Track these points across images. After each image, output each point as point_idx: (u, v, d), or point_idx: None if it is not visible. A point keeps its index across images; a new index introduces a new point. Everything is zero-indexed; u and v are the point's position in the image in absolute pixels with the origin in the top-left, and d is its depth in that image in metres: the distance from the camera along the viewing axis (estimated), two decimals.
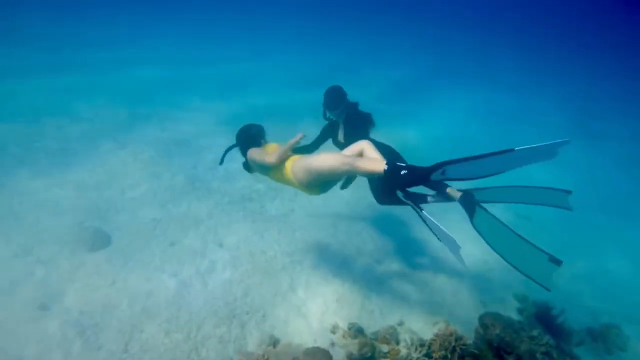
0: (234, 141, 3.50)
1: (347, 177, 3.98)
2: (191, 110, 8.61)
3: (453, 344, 3.12)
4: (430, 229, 2.55)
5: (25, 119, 7.05)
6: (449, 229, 2.40)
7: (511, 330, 2.93)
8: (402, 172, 2.51)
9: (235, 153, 3.51)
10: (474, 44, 23.48)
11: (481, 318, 3.17)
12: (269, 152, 3.14)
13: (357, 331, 3.44)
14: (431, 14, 34.08)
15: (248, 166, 3.44)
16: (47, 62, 10.87)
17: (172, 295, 3.62)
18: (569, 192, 3.01)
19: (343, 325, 3.54)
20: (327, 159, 2.81)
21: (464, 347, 3.12)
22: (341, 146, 3.98)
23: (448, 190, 2.92)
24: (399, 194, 2.69)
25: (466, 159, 2.35)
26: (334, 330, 3.50)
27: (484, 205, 2.87)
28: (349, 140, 3.83)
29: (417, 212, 2.58)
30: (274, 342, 3.30)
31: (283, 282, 3.91)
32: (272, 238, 4.53)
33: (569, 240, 5.59)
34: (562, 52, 24.56)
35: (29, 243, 4.05)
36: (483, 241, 2.72)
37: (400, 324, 3.65)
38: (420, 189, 2.72)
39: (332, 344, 3.36)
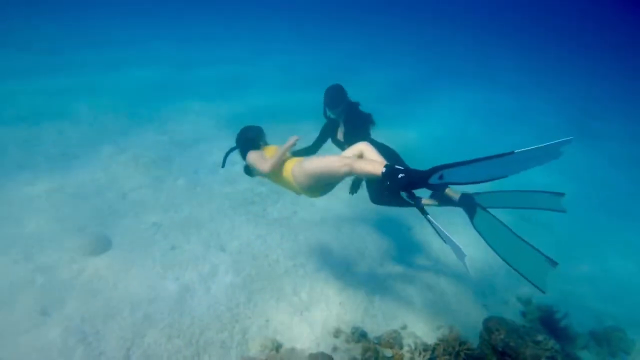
0: (234, 144, 3.49)
1: (354, 182, 3.97)
2: (191, 113, 8.59)
3: (457, 348, 3.11)
4: (437, 232, 2.53)
5: (25, 121, 7.03)
6: (452, 232, 2.39)
7: (516, 335, 2.91)
8: (400, 175, 2.48)
9: (237, 155, 3.50)
10: (474, 44, 23.47)
11: (485, 322, 3.15)
12: (265, 158, 3.14)
13: (360, 335, 3.43)
14: (431, 14, 34.09)
15: (249, 170, 3.42)
16: (47, 63, 10.85)
17: (174, 301, 3.60)
18: (561, 194, 3.04)
19: (346, 329, 3.52)
20: (326, 161, 2.80)
21: (468, 351, 3.10)
22: (341, 145, 3.97)
23: (447, 191, 2.92)
24: (403, 194, 2.68)
25: (464, 163, 2.26)
26: (337, 334, 3.48)
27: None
28: (349, 139, 3.83)
29: (424, 216, 2.56)
30: (277, 347, 3.28)
31: (286, 287, 3.89)
32: (275, 242, 4.51)
33: (571, 241, 5.58)
34: (562, 52, 24.55)
35: (30, 248, 4.03)
36: (485, 244, 2.72)
37: (404, 327, 3.63)
38: (423, 192, 2.71)
39: (335, 349, 3.34)
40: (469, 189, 2.72)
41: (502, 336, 2.87)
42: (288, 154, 3.38)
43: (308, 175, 2.90)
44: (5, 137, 6.36)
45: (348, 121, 3.87)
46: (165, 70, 11.62)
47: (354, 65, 14.29)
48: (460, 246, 2.24)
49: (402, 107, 10.43)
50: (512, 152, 2.15)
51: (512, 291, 4.22)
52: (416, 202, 2.66)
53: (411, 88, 12.51)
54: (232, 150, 3.50)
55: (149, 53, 13.63)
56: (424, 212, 2.56)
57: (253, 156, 3.22)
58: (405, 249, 4.75)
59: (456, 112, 10.78)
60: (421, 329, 3.62)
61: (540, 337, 2.80)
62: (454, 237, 2.37)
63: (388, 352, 3.31)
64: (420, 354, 3.21)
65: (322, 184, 2.99)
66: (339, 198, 5.49)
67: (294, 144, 3.17)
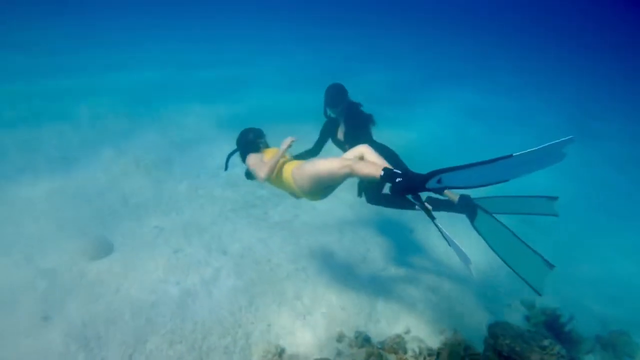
0: (235, 146, 3.49)
1: (359, 184, 3.96)
2: (192, 114, 8.57)
3: (462, 353, 3.09)
4: (443, 237, 2.52)
5: (26, 123, 7.02)
6: (453, 234, 2.38)
7: (521, 339, 2.89)
8: (397, 179, 2.45)
9: (238, 158, 3.49)
10: (474, 45, 23.46)
11: (490, 327, 3.13)
12: (264, 161, 3.13)
13: (364, 340, 3.40)
14: (431, 14, 34.09)
15: (250, 174, 3.41)
16: (47, 64, 10.85)
17: (176, 305, 3.58)
18: (555, 198, 3.04)
19: (349, 334, 3.49)
20: (327, 163, 2.81)
21: (473, 356, 3.08)
22: (341, 145, 3.96)
23: (446, 192, 2.90)
24: (409, 197, 2.67)
25: (462, 167, 2.21)
26: (340, 339, 3.46)
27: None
28: (349, 139, 3.82)
29: (431, 220, 2.55)
30: (280, 352, 3.26)
31: (288, 291, 3.86)
32: (277, 245, 4.49)
33: (573, 243, 5.56)
34: (562, 52, 24.53)
35: (31, 251, 4.01)
36: (487, 247, 2.71)
37: (407, 332, 3.60)
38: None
39: (339, 354, 3.31)
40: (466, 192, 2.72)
41: (507, 341, 2.85)
42: (288, 157, 3.38)
43: (309, 178, 2.90)
44: (6, 139, 6.34)
45: (349, 120, 3.85)
46: (166, 72, 11.61)
47: (353, 66, 14.27)
48: (466, 252, 2.22)
49: (401, 108, 10.40)
50: (511, 156, 2.09)
51: (515, 295, 4.19)
52: (423, 206, 2.65)
53: (411, 89, 12.49)
54: (233, 152, 3.50)
55: (149, 54, 13.62)
56: (431, 216, 2.54)
57: (252, 160, 3.22)
58: (408, 252, 4.72)
59: (456, 113, 10.75)
60: (425, 333, 3.59)
61: (546, 342, 2.78)
62: (459, 242, 2.36)
63: (392, 357, 3.29)
64: (424, 359, 3.19)
65: (322, 187, 2.98)
66: (341, 201, 5.47)
67: (290, 145, 3.16)
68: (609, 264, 5.32)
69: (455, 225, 4.94)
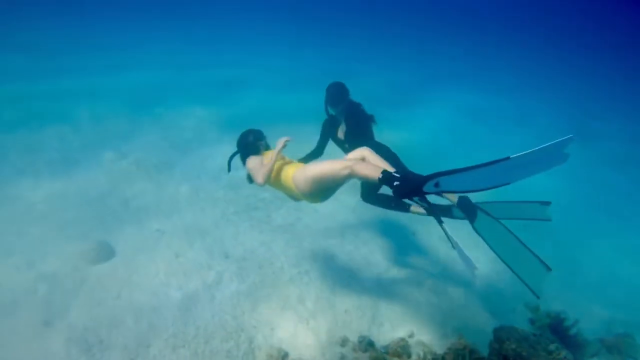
0: (236, 148, 3.48)
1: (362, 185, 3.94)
2: (192, 116, 8.56)
3: (467, 358, 3.06)
4: (449, 241, 2.50)
5: (26, 127, 7.00)
6: (458, 237, 2.36)
7: (527, 344, 2.86)
8: (395, 183, 2.43)
9: (240, 160, 3.47)
10: (474, 45, 23.46)
11: (495, 331, 3.10)
12: (264, 164, 3.12)
13: (367, 344, 3.38)
14: (430, 15, 34.10)
15: (251, 177, 3.39)
16: (47, 66, 10.85)
17: (178, 309, 3.56)
18: (548, 203, 3.04)
19: (353, 338, 3.47)
20: (328, 165, 2.82)
21: None
22: (341, 144, 3.95)
23: (445, 195, 2.89)
24: (416, 199, 2.66)
25: (459, 170, 2.17)
26: (343, 343, 3.43)
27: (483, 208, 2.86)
28: (350, 138, 3.81)
29: (439, 224, 2.53)
30: (283, 357, 3.23)
31: (291, 294, 3.84)
32: (279, 248, 4.46)
33: (575, 244, 5.53)
34: (562, 52, 24.52)
35: (32, 256, 3.99)
36: (489, 250, 2.70)
37: (411, 336, 3.57)
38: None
39: (343, 358, 3.29)
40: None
41: (513, 346, 2.82)
42: (288, 158, 3.37)
43: (310, 180, 2.89)
44: (7, 141, 6.33)
45: (350, 120, 3.84)
46: (166, 73, 11.62)
47: (353, 67, 14.27)
48: (472, 259, 2.20)
49: (401, 109, 10.39)
50: (508, 158, 2.04)
51: (519, 298, 4.15)
52: (431, 209, 2.63)
53: (410, 90, 12.48)
54: (234, 154, 3.49)
55: (150, 56, 13.63)
56: (439, 220, 2.53)
57: (251, 163, 3.22)
58: (410, 254, 4.70)
59: (456, 114, 10.74)
60: (429, 337, 3.56)
61: (552, 347, 2.76)
62: (463, 246, 2.34)
63: None
64: None
65: (324, 189, 2.98)
66: (343, 204, 5.45)
67: (285, 145, 3.15)
68: (612, 266, 5.29)
69: (460, 229, 4.93)
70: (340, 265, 4.36)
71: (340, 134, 3.93)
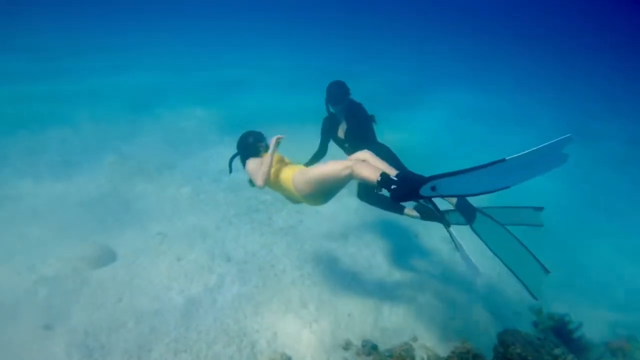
0: (236, 149, 3.46)
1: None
2: (193, 118, 8.54)
3: None
4: (455, 246, 2.48)
5: (27, 128, 6.98)
6: (462, 239, 2.34)
7: (532, 348, 2.84)
8: (392, 186, 2.41)
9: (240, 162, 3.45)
10: (474, 46, 23.46)
11: (500, 335, 3.08)
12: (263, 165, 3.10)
13: (371, 348, 3.35)
14: (430, 15, 34.09)
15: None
16: (47, 68, 10.84)
17: (180, 313, 3.53)
18: (540, 208, 3.03)
19: (356, 342, 3.44)
20: (329, 166, 2.81)
21: None
22: (341, 143, 3.93)
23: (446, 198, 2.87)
24: (422, 202, 2.64)
25: (455, 173, 2.13)
26: (347, 347, 3.40)
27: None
28: (350, 137, 3.78)
29: (446, 228, 2.51)
30: None
31: (293, 298, 3.81)
32: (281, 251, 4.44)
33: (575, 245, 5.51)
34: (562, 52, 24.52)
35: (32, 259, 3.96)
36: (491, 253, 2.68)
37: (414, 339, 3.55)
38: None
39: None
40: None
41: (518, 350, 2.80)
42: (287, 160, 3.37)
43: (311, 182, 2.88)
44: (8, 144, 6.30)
45: (350, 119, 3.82)
46: (166, 74, 11.61)
47: (353, 68, 14.26)
48: (478, 266, 2.18)
49: (401, 110, 10.38)
50: (504, 160, 1.99)
51: (522, 300, 4.14)
52: (437, 212, 2.61)
53: (410, 91, 12.47)
54: (234, 156, 3.48)
55: (149, 57, 13.62)
56: (446, 224, 2.50)
57: (250, 165, 3.21)
58: (413, 257, 4.68)
59: (456, 114, 10.74)
60: (432, 341, 3.54)
61: (557, 351, 2.74)
62: (468, 251, 2.32)
63: None
64: None
65: (324, 191, 2.96)
66: (345, 206, 5.43)
67: (279, 143, 3.14)
68: (614, 267, 5.27)
69: (464, 232, 4.91)
70: (342, 267, 4.33)
71: (341, 132, 3.91)
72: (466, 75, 15.69)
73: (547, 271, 2.43)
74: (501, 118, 11.00)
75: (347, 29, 24.91)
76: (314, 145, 4.01)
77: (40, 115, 7.62)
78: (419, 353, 3.36)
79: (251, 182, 3.40)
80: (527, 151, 1.94)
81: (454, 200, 3.23)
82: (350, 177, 2.72)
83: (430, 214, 3.48)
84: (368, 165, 2.69)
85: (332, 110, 3.91)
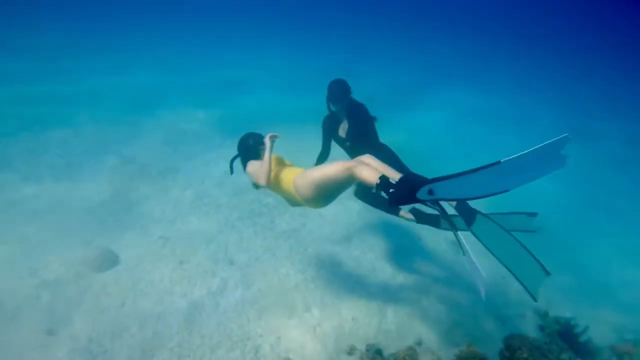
0: (237, 151, 3.45)
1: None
2: (195, 120, 8.52)
3: None
4: (462, 249, 2.46)
5: (29, 131, 6.96)
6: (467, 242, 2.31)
7: (539, 353, 2.82)
8: (390, 190, 2.40)
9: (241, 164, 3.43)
10: (473, 46, 23.43)
11: (506, 340, 3.06)
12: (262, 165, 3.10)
13: (375, 353, 3.33)
14: (430, 15, 34.07)
15: (257, 184, 3.36)
16: (48, 69, 10.80)
17: (183, 318, 3.51)
18: (534, 214, 3.02)
19: (360, 346, 3.42)
20: (330, 167, 2.80)
21: None
22: (341, 142, 3.91)
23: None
24: (428, 204, 2.62)
25: (451, 177, 2.11)
26: (351, 352, 3.38)
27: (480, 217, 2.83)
28: (351, 136, 3.76)
29: (453, 232, 2.49)
30: None
31: (297, 302, 3.79)
32: (284, 255, 4.42)
33: (578, 246, 5.49)
34: (562, 52, 24.50)
35: (35, 263, 3.94)
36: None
37: (419, 343, 3.53)
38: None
39: None
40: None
41: (525, 355, 2.78)
42: (288, 162, 3.38)
43: (313, 185, 2.87)
44: (10, 148, 6.27)
45: (352, 118, 3.80)
46: (167, 76, 11.57)
47: (353, 68, 14.22)
48: (483, 273, 2.15)
49: (401, 110, 10.35)
50: (499, 162, 1.95)
51: (527, 304, 4.11)
52: (442, 215, 2.59)
53: (410, 91, 12.44)
54: (235, 158, 3.46)
55: (149, 58, 13.59)
56: (453, 228, 2.48)
57: (251, 168, 3.20)
58: (416, 260, 4.65)
59: (456, 115, 10.71)
60: (437, 345, 3.52)
61: (565, 356, 2.72)
62: (476, 260, 2.30)
63: None
64: None
65: (325, 193, 2.95)
66: (347, 208, 5.41)
67: (274, 141, 3.14)
68: (617, 269, 5.25)
69: (470, 239, 4.89)
70: (346, 271, 4.31)
71: (342, 132, 3.89)
72: (466, 75, 15.65)
73: (547, 273, 2.41)
74: (501, 118, 10.97)
75: (347, 29, 24.86)
76: (314, 145, 3.99)
77: (40, 116, 7.60)
78: (424, 357, 3.34)
79: (255, 185, 3.39)
80: (522, 153, 1.90)
81: (453, 203, 3.22)
82: (351, 178, 2.72)
83: (424, 217, 3.47)
84: (369, 168, 2.69)
85: (333, 108, 3.89)
